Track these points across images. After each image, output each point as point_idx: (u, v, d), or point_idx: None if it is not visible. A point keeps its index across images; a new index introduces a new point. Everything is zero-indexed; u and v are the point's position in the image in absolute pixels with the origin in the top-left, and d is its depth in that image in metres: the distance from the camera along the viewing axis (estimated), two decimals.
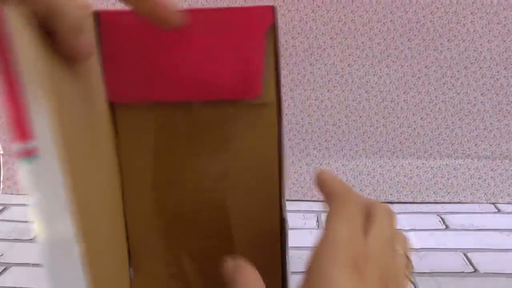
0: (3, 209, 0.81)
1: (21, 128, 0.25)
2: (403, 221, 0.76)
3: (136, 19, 0.33)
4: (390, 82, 0.80)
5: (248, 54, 0.38)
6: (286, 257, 0.45)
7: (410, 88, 0.80)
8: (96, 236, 0.33)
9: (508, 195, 0.83)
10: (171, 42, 0.38)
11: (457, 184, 0.83)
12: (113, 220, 0.40)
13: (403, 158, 0.83)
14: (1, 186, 0.87)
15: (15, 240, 0.70)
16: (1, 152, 0.87)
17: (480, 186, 0.83)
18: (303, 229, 0.73)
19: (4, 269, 0.63)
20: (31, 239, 0.71)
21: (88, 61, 0.32)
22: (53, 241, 0.27)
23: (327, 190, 0.35)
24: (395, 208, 0.81)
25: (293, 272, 0.60)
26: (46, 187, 0.26)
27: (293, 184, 0.83)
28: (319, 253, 0.31)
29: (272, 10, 0.37)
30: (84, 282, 0.27)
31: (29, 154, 0.25)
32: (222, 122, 0.40)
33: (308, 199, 0.83)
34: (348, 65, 0.79)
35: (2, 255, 0.66)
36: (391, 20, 0.77)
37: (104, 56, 0.37)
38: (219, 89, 0.39)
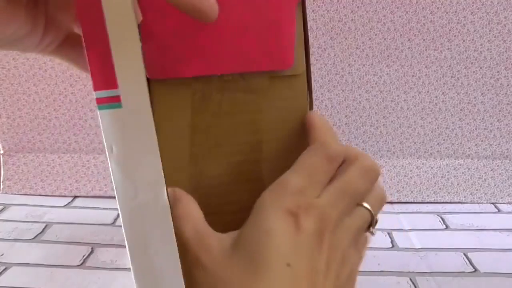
0: (3, 209, 0.81)
1: (105, 76, 0.25)
2: (403, 221, 0.76)
3: None
4: (390, 82, 0.80)
5: (281, 26, 0.39)
6: None
7: (410, 88, 0.80)
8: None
9: (508, 195, 0.83)
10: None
11: (457, 184, 0.83)
12: None
13: (403, 158, 0.83)
14: (1, 186, 0.87)
15: (15, 240, 0.70)
16: (1, 151, 0.87)
17: (480, 186, 0.83)
18: None
19: (4, 269, 0.63)
20: (31, 239, 0.71)
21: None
22: (134, 194, 0.28)
23: (311, 136, 0.37)
24: (395, 208, 0.81)
25: None
26: (130, 137, 0.26)
27: None
28: (266, 195, 0.32)
29: None
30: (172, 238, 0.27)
31: (112, 102, 0.26)
32: (255, 95, 0.41)
33: None
34: (348, 65, 0.79)
35: (2, 255, 0.66)
36: (391, 20, 0.77)
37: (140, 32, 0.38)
38: (253, 61, 0.40)
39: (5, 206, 0.82)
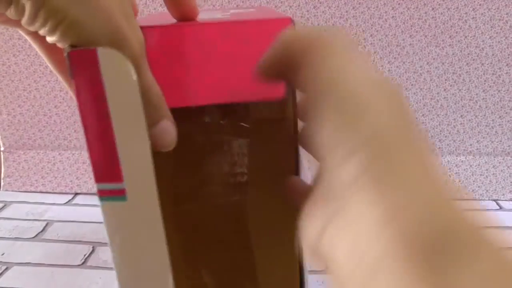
0: (4, 206, 0.81)
1: (110, 169, 0.24)
2: None
3: (156, 29, 0.34)
4: (392, 79, 0.79)
5: None
6: (304, 268, 0.46)
7: (412, 85, 0.80)
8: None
9: (510, 192, 0.83)
10: (192, 51, 0.38)
11: (459, 181, 0.83)
12: None
13: None
14: (2, 183, 0.87)
15: (16, 238, 0.70)
16: (2, 148, 0.86)
17: (482, 183, 0.83)
18: None
19: (6, 269, 0.63)
20: (32, 237, 0.71)
21: None
22: None
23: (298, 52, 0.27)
24: None
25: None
26: (135, 228, 0.26)
27: None
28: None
29: (290, 21, 0.38)
30: None
31: (114, 195, 0.25)
32: (239, 137, 0.41)
33: None
34: None
35: (3, 254, 0.66)
36: (392, 17, 0.76)
37: None
38: (240, 93, 0.39)
39: (6, 204, 0.82)
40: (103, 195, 0.24)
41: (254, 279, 0.45)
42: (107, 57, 0.23)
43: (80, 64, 0.23)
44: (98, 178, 0.24)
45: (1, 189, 0.87)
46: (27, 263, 0.64)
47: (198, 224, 0.43)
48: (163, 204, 0.42)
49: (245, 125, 0.40)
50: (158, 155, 0.40)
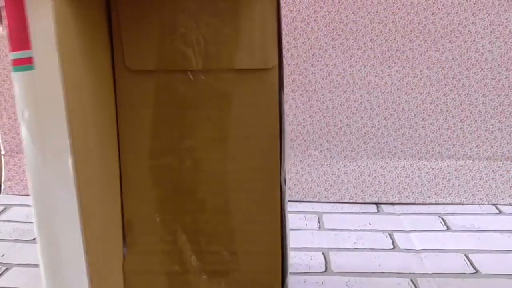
0: (4, 209, 0.81)
1: (19, 37, 0.24)
2: (404, 222, 0.76)
3: None
4: (392, 83, 0.80)
5: None
6: (286, 235, 0.44)
7: (412, 89, 0.80)
8: (92, 194, 0.33)
9: (509, 196, 0.83)
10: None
11: (459, 186, 0.83)
12: (108, 190, 0.39)
13: (404, 159, 0.83)
14: (3, 187, 0.87)
15: (16, 240, 0.70)
16: (2, 152, 0.87)
17: (482, 187, 0.83)
18: (304, 230, 0.73)
19: (6, 270, 0.63)
20: (32, 239, 0.71)
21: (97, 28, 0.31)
22: (43, 160, 0.26)
23: None
24: (396, 209, 0.81)
25: (293, 273, 0.60)
26: (40, 101, 0.25)
27: (294, 185, 0.83)
28: None
29: None
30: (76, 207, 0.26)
31: (24, 63, 0.24)
32: (222, 88, 0.40)
33: (310, 200, 0.83)
34: (350, 66, 0.79)
35: (3, 255, 0.66)
36: (392, 21, 0.77)
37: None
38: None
39: (6, 207, 0.82)
40: (15, 64, 0.25)
41: (231, 247, 0.43)
42: None
43: None
44: (12, 47, 0.24)
45: (2, 193, 0.87)
46: (26, 264, 0.64)
47: (176, 180, 0.41)
48: (140, 156, 0.41)
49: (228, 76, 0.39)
50: (137, 105, 0.40)
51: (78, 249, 0.28)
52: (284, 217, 0.43)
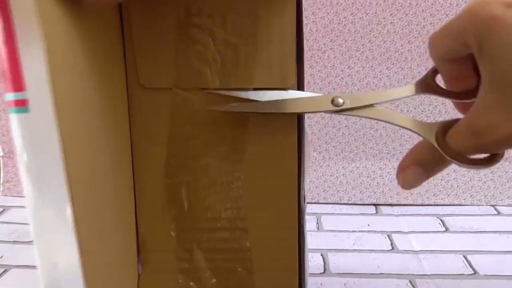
0: (3, 211, 0.81)
1: (14, 78, 0.24)
2: (403, 223, 0.76)
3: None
4: (390, 84, 0.80)
5: None
6: (304, 254, 0.43)
7: None
8: (100, 221, 0.32)
9: (508, 197, 0.83)
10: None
11: (457, 186, 0.83)
12: (122, 210, 0.39)
13: None
14: (1, 188, 0.87)
15: (15, 242, 0.70)
16: (1, 154, 0.87)
17: (480, 188, 0.83)
18: None
19: (4, 271, 0.63)
20: (31, 241, 0.70)
21: (110, 44, 0.31)
22: (42, 203, 0.26)
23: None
24: (395, 210, 0.81)
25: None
26: (37, 143, 0.24)
27: None
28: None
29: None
30: (76, 251, 0.26)
31: (19, 105, 0.24)
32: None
33: (308, 201, 0.83)
34: (348, 67, 0.79)
35: (2, 257, 0.66)
36: (391, 22, 0.77)
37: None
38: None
39: (5, 208, 0.82)
40: (11, 106, 0.24)
41: (248, 265, 0.43)
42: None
43: None
44: (7, 88, 0.24)
45: (1, 194, 0.87)
46: (25, 265, 0.64)
47: (192, 198, 0.41)
48: (156, 175, 0.41)
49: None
50: (152, 123, 0.39)
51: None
52: (302, 235, 0.43)
